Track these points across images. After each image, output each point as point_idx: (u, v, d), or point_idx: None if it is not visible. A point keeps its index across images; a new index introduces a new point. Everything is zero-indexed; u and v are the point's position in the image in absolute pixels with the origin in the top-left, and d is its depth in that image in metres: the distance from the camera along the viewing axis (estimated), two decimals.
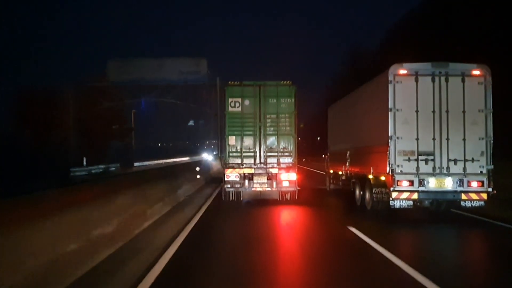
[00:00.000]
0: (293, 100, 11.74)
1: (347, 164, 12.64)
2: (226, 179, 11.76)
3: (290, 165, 11.75)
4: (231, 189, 11.84)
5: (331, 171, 15.42)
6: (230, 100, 11.81)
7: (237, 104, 11.77)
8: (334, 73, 53.75)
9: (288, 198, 12.12)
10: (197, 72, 37.03)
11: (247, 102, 11.77)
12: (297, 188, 11.86)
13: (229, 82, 12.05)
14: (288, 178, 11.63)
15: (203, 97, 39.65)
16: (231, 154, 11.84)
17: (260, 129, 11.79)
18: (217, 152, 37.65)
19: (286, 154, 11.79)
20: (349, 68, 41.16)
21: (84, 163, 32.73)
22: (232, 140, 11.82)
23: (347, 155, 12.57)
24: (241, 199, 12.35)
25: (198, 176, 18.42)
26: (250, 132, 11.81)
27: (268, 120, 11.79)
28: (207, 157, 33.31)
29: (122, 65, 37.12)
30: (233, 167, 11.77)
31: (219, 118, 35.63)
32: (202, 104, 40.88)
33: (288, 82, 11.90)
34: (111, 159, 37.03)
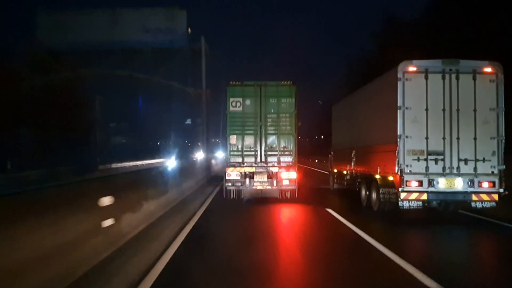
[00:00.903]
0: (293, 100, 11.90)
1: (352, 163, 12.40)
2: (227, 177, 11.91)
3: (290, 164, 11.91)
4: (232, 188, 11.99)
5: (335, 170, 15.20)
6: (231, 100, 11.95)
7: (238, 104, 11.92)
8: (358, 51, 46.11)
9: (288, 197, 12.26)
10: (171, 30, 24.65)
11: (248, 102, 11.93)
12: (297, 186, 12.01)
13: (230, 82, 12.16)
14: (288, 177, 11.77)
15: (182, 69, 27.09)
16: (232, 153, 11.99)
17: (260, 128, 11.95)
18: (204, 154, 27.38)
19: (286, 153, 11.95)
20: (380, 41, 32.91)
21: (9, 167, 22.51)
22: (233, 139, 11.97)
23: (352, 154, 12.33)
24: (241, 197, 12.44)
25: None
26: (251, 132, 11.96)
27: (269, 120, 11.95)
28: (171, 163, 23.61)
29: (58, 20, 24.72)
30: (234, 166, 11.92)
31: (206, 100, 24.68)
32: (180, 78, 27.87)
33: (288, 82, 12.05)
34: (66, 160, 24.66)
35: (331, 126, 16.00)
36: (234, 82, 12.14)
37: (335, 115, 15.52)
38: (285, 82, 12.04)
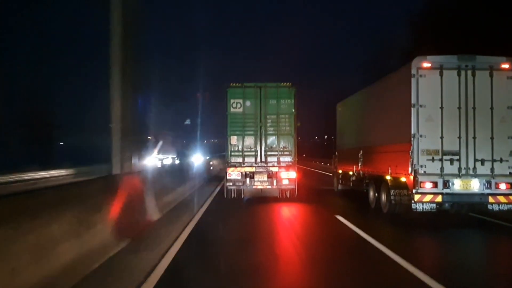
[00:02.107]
0: (292, 101, 12.10)
1: (360, 164, 12.01)
2: (228, 177, 12.07)
3: (290, 163, 12.10)
4: (233, 187, 12.16)
5: (340, 171, 14.80)
6: (232, 101, 12.11)
7: (238, 105, 12.09)
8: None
9: (288, 196, 12.44)
10: None
11: (248, 103, 12.10)
12: (297, 187, 12.21)
13: (231, 83, 12.24)
14: (288, 176, 11.97)
15: None
16: (233, 153, 12.14)
17: (260, 129, 12.13)
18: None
19: (286, 153, 12.14)
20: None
21: None
22: (233, 139, 12.13)
23: (360, 154, 11.94)
24: (242, 196, 12.58)
25: None
26: (251, 132, 12.13)
27: (269, 121, 12.14)
28: None
29: None
30: (234, 166, 12.08)
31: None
32: None
33: (288, 83, 12.22)
34: None
35: (335, 126, 15.59)
36: (234, 84, 12.23)
37: (340, 114, 15.12)
38: (285, 84, 12.20)
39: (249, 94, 12.10)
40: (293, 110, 12.12)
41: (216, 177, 20.96)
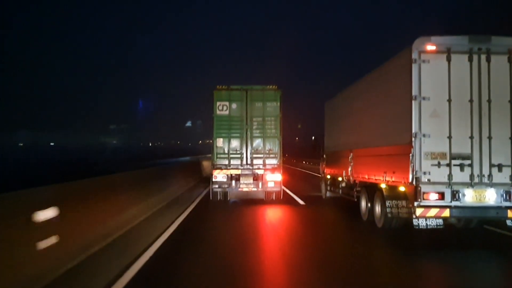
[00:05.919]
0: (278, 103, 12.22)
1: (350, 169, 10.39)
2: (214, 179, 12.17)
3: (275, 166, 12.20)
4: (219, 189, 12.25)
5: (328, 176, 13.19)
6: (218, 103, 12.23)
7: (224, 108, 12.21)
8: None
9: (273, 198, 12.47)
10: None
11: (234, 105, 12.23)
12: (282, 188, 12.43)
13: (217, 86, 12.37)
14: (273, 179, 12.12)
15: None
16: (218, 156, 12.22)
17: (246, 131, 12.23)
18: None
19: (271, 155, 12.24)
20: None
21: None
22: (219, 142, 12.25)
23: (350, 157, 10.33)
24: (228, 199, 12.66)
25: None
26: (237, 135, 12.25)
27: (255, 123, 12.24)
28: None
29: None
30: (220, 168, 12.18)
31: None
32: None
33: (273, 86, 12.36)
34: None
35: (324, 126, 13.96)
36: (220, 86, 12.31)
37: (328, 113, 13.48)
38: (270, 87, 12.32)
39: (235, 97, 12.20)
40: (279, 113, 12.16)
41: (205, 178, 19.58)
